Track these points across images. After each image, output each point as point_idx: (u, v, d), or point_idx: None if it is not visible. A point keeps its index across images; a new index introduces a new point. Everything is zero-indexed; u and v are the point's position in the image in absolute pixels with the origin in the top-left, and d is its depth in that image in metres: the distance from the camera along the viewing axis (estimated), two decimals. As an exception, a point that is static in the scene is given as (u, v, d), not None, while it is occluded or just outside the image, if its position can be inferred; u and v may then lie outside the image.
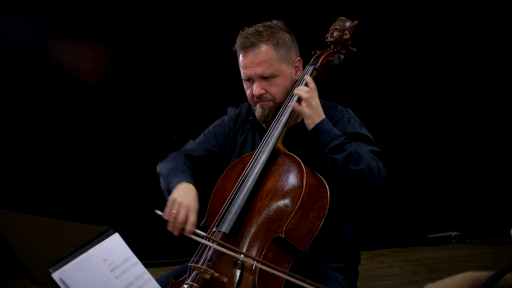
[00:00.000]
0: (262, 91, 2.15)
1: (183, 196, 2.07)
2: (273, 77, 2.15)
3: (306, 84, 2.13)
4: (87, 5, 4.39)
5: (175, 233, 2.03)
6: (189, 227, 2.01)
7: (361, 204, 2.31)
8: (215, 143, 2.33)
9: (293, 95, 2.14)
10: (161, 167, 2.27)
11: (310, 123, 2.08)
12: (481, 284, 1.29)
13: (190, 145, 2.37)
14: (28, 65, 4.37)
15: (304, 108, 2.09)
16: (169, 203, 2.05)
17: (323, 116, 2.09)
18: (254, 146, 2.24)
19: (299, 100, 2.10)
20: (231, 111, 2.41)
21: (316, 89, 2.14)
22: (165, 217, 2.04)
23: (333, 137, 2.04)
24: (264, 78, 2.14)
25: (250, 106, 2.35)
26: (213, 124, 2.40)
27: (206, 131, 2.38)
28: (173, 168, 2.22)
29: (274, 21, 2.22)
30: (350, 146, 2.03)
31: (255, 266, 1.91)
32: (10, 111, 4.40)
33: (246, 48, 2.14)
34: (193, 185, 2.15)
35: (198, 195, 2.13)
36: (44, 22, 4.37)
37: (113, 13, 4.42)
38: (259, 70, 2.13)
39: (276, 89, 2.16)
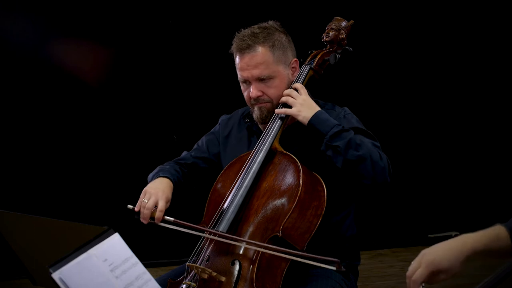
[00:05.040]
0: (259, 93, 2.16)
1: (153, 187, 2.13)
2: (270, 79, 2.15)
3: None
4: (87, 5, 4.39)
5: (144, 221, 2.07)
6: (157, 213, 2.05)
7: (364, 197, 2.30)
8: (207, 151, 2.37)
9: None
10: (149, 176, 2.31)
11: (303, 119, 2.09)
12: (482, 283, 1.28)
13: (183, 155, 2.41)
14: (27, 65, 4.37)
15: (287, 110, 2.11)
16: (141, 195, 2.10)
17: (316, 109, 2.10)
18: (249, 147, 2.25)
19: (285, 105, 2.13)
20: (223, 117, 2.44)
21: (302, 87, 2.16)
22: (136, 208, 2.08)
23: (331, 126, 2.05)
24: (261, 80, 2.15)
25: (245, 110, 2.37)
26: (206, 134, 2.43)
27: (199, 141, 2.43)
28: (158, 171, 2.27)
29: (270, 22, 2.22)
30: (349, 133, 2.04)
31: (253, 264, 1.91)
32: (10, 111, 4.41)
33: (242, 50, 2.15)
34: (170, 180, 2.20)
35: (172, 188, 2.18)
36: (44, 22, 4.37)
37: (113, 13, 4.42)
38: (256, 72, 2.14)
39: (273, 91, 2.17)
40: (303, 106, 2.09)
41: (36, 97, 4.41)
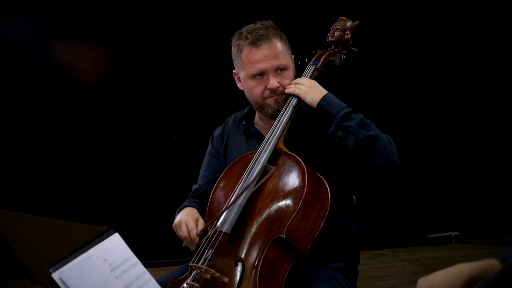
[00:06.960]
0: (278, 84, 2.15)
1: (181, 217, 2.11)
2: (285, 69, 2.16)
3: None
4: (87, 5, 4.39)
5: (192, 248, 2.05)
6: (192, 233, 2.03)
7: (369, 184, 2.26)
8: (212, 173, 2.35)
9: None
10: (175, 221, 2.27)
11: (311, 101, 2.10)
12: (481, 284, 1.28)
13: (193, 188, 2.38)
14: (27, 64, 4.37)
15: (295, 90, 2.12)
16: (175, 232, 2.09)
17: (324, 92, 2.11)
18: (249, 149, 2.24)
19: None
20: (215, 133, 2.42)
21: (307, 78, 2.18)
22: (190, 246, 2.06)
23: (341, 108, 2.07)
24: (278, 70, 2.15)
25: (235, 115, 2.37)
26: (202, 162, 2.41)
27: (200, 171, 2.40)
28: (178, 210, 2.24)
29: (263, 22, 2.20)
30: (359, 115, 2.06)
31: (256, 265, 1.91)
32: (10, 111, 4.40)
33: (259, 41, 2.12)
34: (193, 207, 2.19)
35: (198, 211, 2.16)
36: (44, 22, 4.37)
37: (113, 13, 4.42)
38: (275, 62, 2.13)
39: (288, 82, 2.17)
40: (311, 89, 2.11)
41: (36, 97, 4.40)
